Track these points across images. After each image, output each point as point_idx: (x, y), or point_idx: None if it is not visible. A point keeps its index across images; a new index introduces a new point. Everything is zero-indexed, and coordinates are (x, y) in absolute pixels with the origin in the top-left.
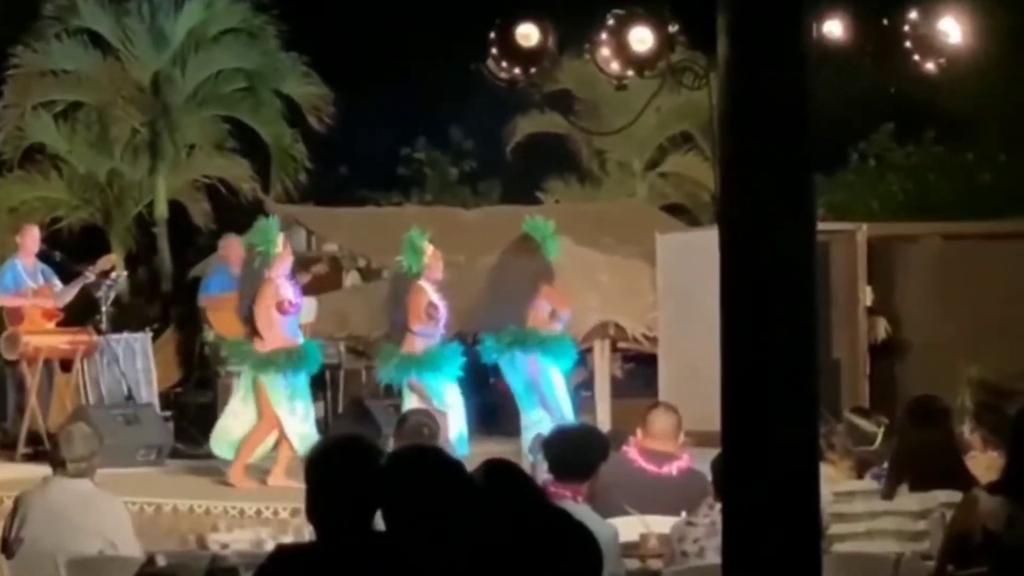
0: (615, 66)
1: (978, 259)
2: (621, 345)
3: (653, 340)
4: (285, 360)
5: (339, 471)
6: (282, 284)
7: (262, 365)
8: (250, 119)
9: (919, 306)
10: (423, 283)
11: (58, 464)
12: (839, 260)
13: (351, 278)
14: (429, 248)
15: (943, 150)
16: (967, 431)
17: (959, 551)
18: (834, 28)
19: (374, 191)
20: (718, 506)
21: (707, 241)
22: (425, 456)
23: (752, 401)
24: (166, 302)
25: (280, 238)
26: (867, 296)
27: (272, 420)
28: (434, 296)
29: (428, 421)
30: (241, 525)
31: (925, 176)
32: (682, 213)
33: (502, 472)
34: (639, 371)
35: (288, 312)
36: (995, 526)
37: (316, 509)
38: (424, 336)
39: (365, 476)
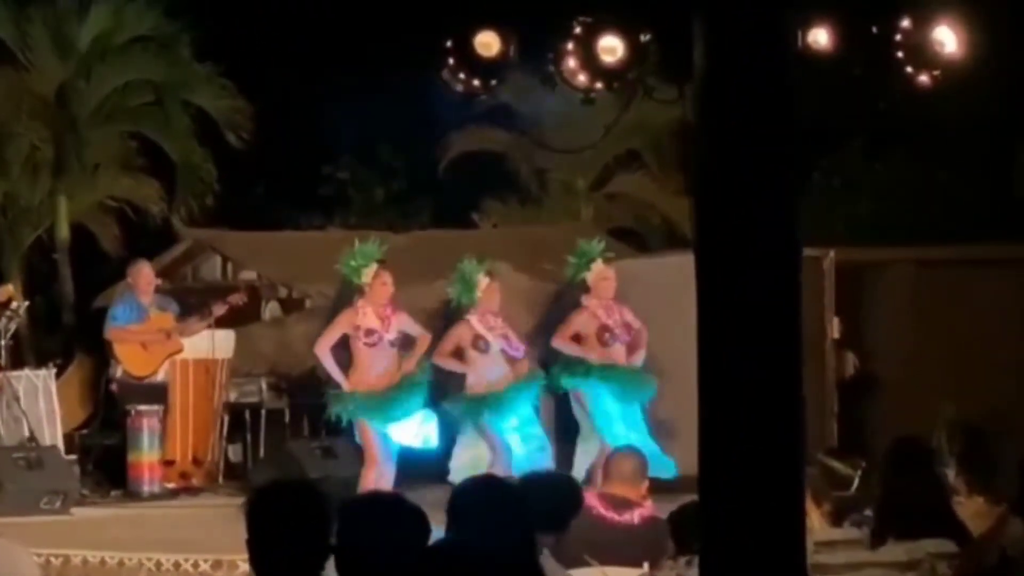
0: (582, 78)
1: (955, 287)
2: None
3: None
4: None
5: (284, 515)
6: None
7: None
8: (156, 134)
9: (891, 339)
10: (471, 318)
11: None
12: (803, 289)
13: (271, 309)
14: (484, 281)
15: (916, 168)
16: (951, 475)
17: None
18: (820, 37)
19: (293, 213)
20: (682, 560)
21: (659, 269)
22: (381, 503)
23: (730, 445)
24: (69, 335)
25: (369, 269)
26: (834, 328)
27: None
28: (482, 329)
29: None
30: None
31: (897, 196)
32: (631, 237)
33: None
34: None
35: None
36: (1015, 552)
37: (260, 559)
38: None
39: (313, 521)
